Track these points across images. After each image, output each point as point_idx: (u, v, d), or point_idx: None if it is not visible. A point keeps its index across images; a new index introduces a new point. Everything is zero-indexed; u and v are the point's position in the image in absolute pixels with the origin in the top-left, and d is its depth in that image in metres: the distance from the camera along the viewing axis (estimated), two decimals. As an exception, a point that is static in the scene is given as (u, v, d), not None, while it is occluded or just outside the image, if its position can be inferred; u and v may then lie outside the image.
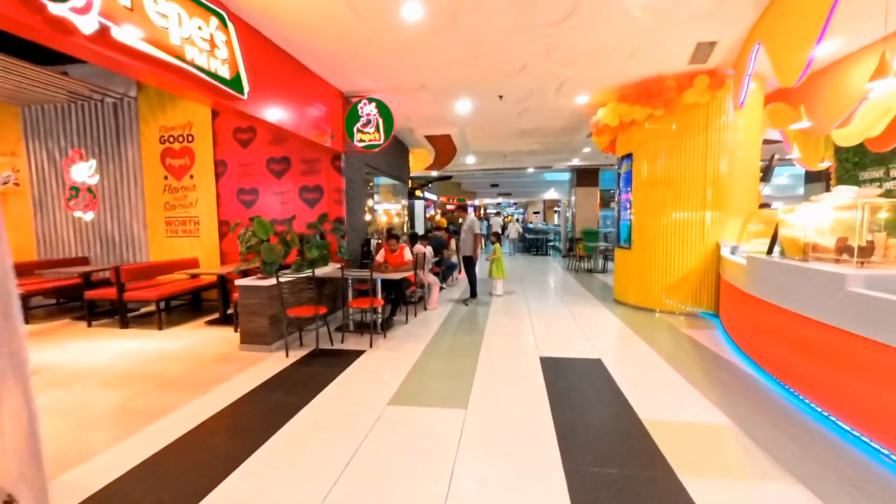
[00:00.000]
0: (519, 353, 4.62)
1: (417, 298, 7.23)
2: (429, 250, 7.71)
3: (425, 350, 4.75)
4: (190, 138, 6.80)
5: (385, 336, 5.29)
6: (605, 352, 4.62)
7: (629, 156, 6.83)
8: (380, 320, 5.44)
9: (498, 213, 35.46)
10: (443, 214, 28.71)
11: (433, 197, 25.67)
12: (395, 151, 9.76)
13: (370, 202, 12.44)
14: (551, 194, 30.89)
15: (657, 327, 5.62)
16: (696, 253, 6.14)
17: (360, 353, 4.67)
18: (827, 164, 8.33)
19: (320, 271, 5.52)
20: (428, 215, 24.42)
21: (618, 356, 4.49)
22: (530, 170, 15.38)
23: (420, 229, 16.97)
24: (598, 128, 7.04)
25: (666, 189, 6.28)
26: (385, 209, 11.44)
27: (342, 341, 5.07)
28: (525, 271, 11.61)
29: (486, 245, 25.14)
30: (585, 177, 14.76)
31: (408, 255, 6.03)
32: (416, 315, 6.50)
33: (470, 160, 13.13)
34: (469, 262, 7.31)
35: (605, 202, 20.07)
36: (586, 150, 11.52)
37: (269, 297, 4.62)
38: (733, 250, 5.67)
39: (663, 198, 6.31)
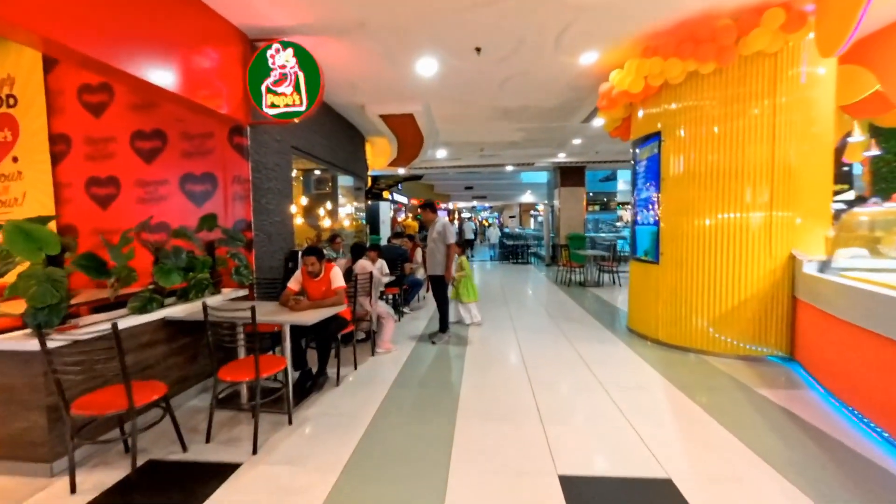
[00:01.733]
0: (520, 460, 2.55)
1: (364, 336, 5.08)
2: (380, 267, 5.58)
3: (354, 456, 2.62)
4: (11, 101, 4.44)
5: (291, 420, 3.11)
6: (667, 454, 2.61)
7: (654, 136, 4.92)
8: (288, 391, 3.23)
9: (470, 218, 33.62)
10: (414, 218, 26.54)
11: (403, 199, 23.45)
12: (346, 137, 7.59)
13: (328, 204, 10.24)
14: (528, 197, 29.24)
15: (716, 385, 3.67)
16: (758, 270, 4.26)
17: (227, 471, 2.49)
18: (875, 152, 6.73)
19: (185, 308, 3.30)
20: (400, 219, 22.18)
21: (695, 465, 2.49)
22: (509, 168, 13.48)
23: (386, 237, 14.81)
24: (611, 98, 5.11)
25: (712, 181, 4.39)
26: (328, 209, 9.24)
27: (207, 438, 2.86)
28: (507, 285, 9.63)
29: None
30: (570, 175, 12.97)
31: (338, 281, 3.87)
32: (356, 367, 4.35)
33: (441, 154, 11.08)
34: (439, 285, 5.20)
35: (592, 204, 18.41)
36: (576, 141, 9.67)
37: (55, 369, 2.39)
38: (823, 266, 3.80)
39: (707, 193, 4.42)
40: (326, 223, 9.76)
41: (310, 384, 3.69)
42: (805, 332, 3.98)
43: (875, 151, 6.63)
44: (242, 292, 4.19)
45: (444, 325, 5.27)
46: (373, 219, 14.95)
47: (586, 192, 13.46)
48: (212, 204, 4.36)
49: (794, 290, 4.15)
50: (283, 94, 4.22)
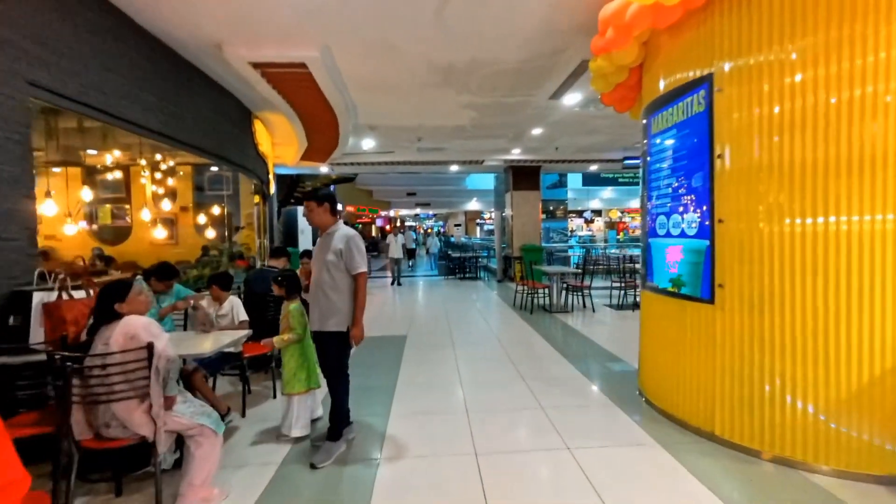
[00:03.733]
0: None
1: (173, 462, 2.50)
2: (229, 311, 3.08)
3: None
4: None
5: None
6: None
7: (697, 85, 2.87)
8: None
9: (414, 227, 31.25)
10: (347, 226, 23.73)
11: (337, 206, 20.64)
12: (213, 107, 4.95)
13: (214, 209, 7.37)
14: (474, 205, 27.43)
15: None
16: (912, 319, 2.29)
17: None
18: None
19: None
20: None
21: None
22: (454, 168, 11.33)
23: (307, 248, 11.95)
24: (622, 24, 2.99)
25: (821, 165, 2.38)
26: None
27: None
28: (453, 311, 7.33)
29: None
30: (524, 178, 11.06)
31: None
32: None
33: (368, 145, 8.63)
34: (331, 348, 2.75)
35: (547, 212, 16.70)
36: (536, 131, 7.68)
37: None
38: None
39: (812, 185, 2.40)
40: (210, 234, 6.97)
41: None
42: None
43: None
44: None
45: (338, 426, 2.81)
46: (289, 228, 12.11)
47: (541, 197, 11.63)
48: None
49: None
50: None
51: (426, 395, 3.69)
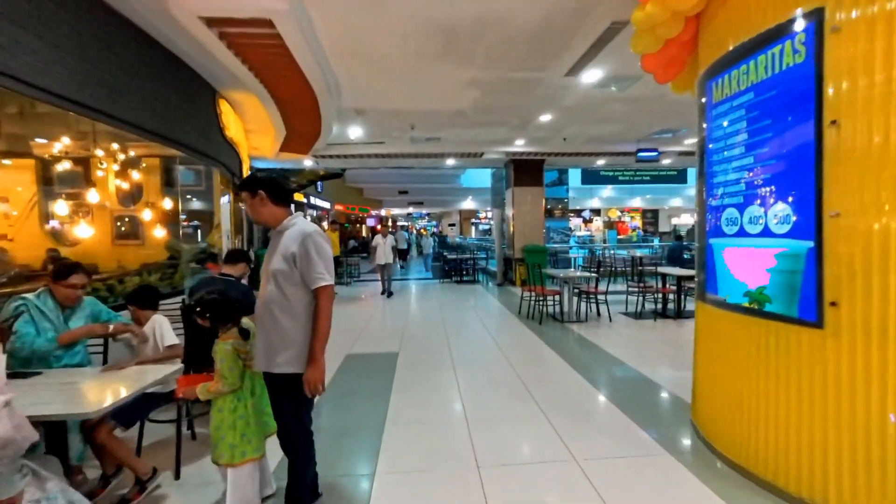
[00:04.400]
0: None
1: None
2: (156, 337, 2.29)
3: None
4: None
5: None
6: None
7: (803, 27, 2.14)
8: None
9: (406, 227, 30.44)
10: (334, 224, 22.92)
11: (324, 204, 19.68)
12: (158, 79, 4.11)
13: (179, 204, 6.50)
14: (469, 204, 26.71)
15: None
16: None
17: None
18: None
19: None
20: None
21: None
22: (450, 162, 10.57)
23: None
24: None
25: None
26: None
27: None
28: (452, 323, 6.55)
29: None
30: (526, 172, 10.33)
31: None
32: None
33: (355, 133, 7.83)
34: (284, 394, 1.98)
35: (546, 211, 16.05)
36: (545, 117, 6.94)
37: None
38: None
39: None
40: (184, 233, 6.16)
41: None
42: None
43: None
44: None
45: (296, 499, 2.02)
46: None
47: (545, 194, 10.91)
48: None
49: None
50: None
51: (423, 441, 2.91)
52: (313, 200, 17.42)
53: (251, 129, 7.15)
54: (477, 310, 7.60)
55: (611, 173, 19.11)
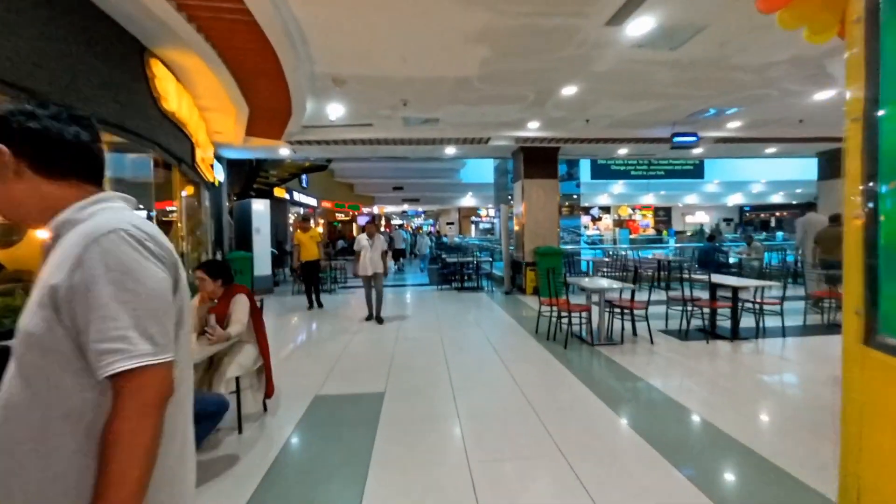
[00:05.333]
0: None
1: None
2: None
3: None
4: None
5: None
6: None
7: None
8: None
9: (402, 226, 29.30)
10: (305, 223, 21.69)
11: (310, 201, 18.45)
12: (52, 24, 2.90)
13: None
14: (469, 201, 25.52)
15: None
16: None
17: None
18: None
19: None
20: (293, 222, 16.92)
21: None
22: (450, 150, 9.41)
23: (264, 252, 9.81)
24: None
25: None
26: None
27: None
28: (455, 348, 5.37)
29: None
30: (538, 162, 9.17)
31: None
32: None
33: (336, 114, 6.64)
34: None
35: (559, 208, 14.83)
36: (568, 90, 5.77)
37: None
38: None
39: None
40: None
41: None
42: None
43: None
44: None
45: None
46: (242, 226, 10.08)
47: (559, 188, 9.75)
48: None
49: None
50: None
51: None
52: (297, 196, 16.21)
53: (206, 105, 5.95)
54: (484, 327, 6.43)
55: (622, 167, 17.96)
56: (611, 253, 11.96)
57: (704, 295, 5.75)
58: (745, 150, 10.09)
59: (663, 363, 4.64)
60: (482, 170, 19.67)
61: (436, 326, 6.42)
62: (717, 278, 5.61)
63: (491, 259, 11.72)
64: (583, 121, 7.28)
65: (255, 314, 3.31)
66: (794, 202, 27.14)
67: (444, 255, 12.01)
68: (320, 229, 21.10)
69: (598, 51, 4.56)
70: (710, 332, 5.60)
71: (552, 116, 7.07)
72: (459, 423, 3.25)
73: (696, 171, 18.10)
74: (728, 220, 29.82)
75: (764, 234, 24.50)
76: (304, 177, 16.49)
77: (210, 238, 8.81)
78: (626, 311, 5.56)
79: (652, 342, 5.31)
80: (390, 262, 17.50)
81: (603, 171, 18.44)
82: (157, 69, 4.45)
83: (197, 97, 5.63)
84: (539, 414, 3.34)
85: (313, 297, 7.88)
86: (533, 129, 7.79)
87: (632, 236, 23.80)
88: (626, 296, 5.79)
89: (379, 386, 4.04)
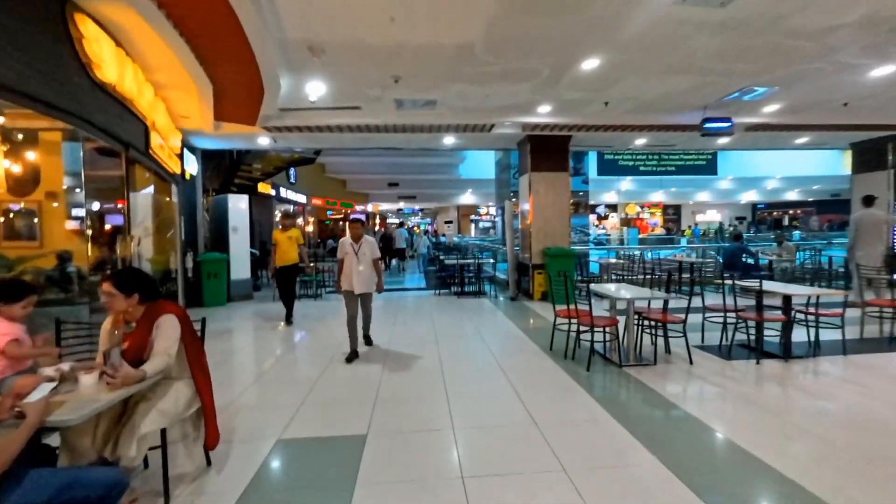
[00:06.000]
0: None
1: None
2: None
3: None
4: None
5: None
6: None
7: None
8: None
9: (401, 224, 28.54)
10: (289, 220, 20.97)
11: (299, 198, 17.62)
12: None
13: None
14: (468, 198, 24.72)
15: None
16: None
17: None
18: None
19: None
20: (278, 219, 15.99)
21: None
22: (449, 140, 8.62)
23: (243, 253, 8.90)
24: None
25: None
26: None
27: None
28: (451, 363, 4.57)
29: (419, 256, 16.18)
30: (548, 153, 8.38)
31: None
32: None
33: (316, 91, 5.84)
34: None
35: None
36: (591, 63, 4.99)
37: None
38: None
39: None
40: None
41: None
42: None
43: None
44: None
45: None
46: (219, 224, 9.28)
47: (570, 183, 8.96)
48: None
49: None
50: None
51: None
52: (284, 193, 15.39)
53: (163, 81, 5.15)
54: (490, 342, 5.64)
55: (631, 162, 17.23)
56: (625, 254, 11.19)
57: (742, 302, 4.97)
58: (773, 141, 9.31)
59: (712, 391, 3.87)
60: (483, 165, 18.86)
61: (433, 341, 5.63)
62: (769, 285, 4.82)
63: (493, 260, 10.93)
64: (601, 104, 6.49)
65: (190, 341, 2.51)
66: (810, 199, 26.44)
67: (441, 257, 11.21)
68: (310, 228, 20.24)
69: (631, 8, 3.78)
70: (758, 350, 4.82)
71: (566, 99, 6.28)
72: (463, 482, 2.47)
73: (709, 167, 17.35)
74: (740, 219, 29.10)
75: (780, 233, 23.78)
76: (291, 171, 15.69)
77: (180, 238, 8.01)
78: (657, 324, 4.77)
79: (691, 362, 4.53)
80: (392, 262, 16.56)
81: (610, 167, 17.66)
82: (86, 28, 3.65)
83: (149, 70, 4.82)
84: (568, 470, 2.56)
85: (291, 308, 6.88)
86: (543, 113, 6.99)
87: (641, 235, 23.05)
88: (655, 304, 5.01)
89: (360, 426, 3.24)
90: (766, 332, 4.91)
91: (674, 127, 7.50)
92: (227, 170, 11.47)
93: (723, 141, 9.09)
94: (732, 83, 5.76)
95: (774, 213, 29.73)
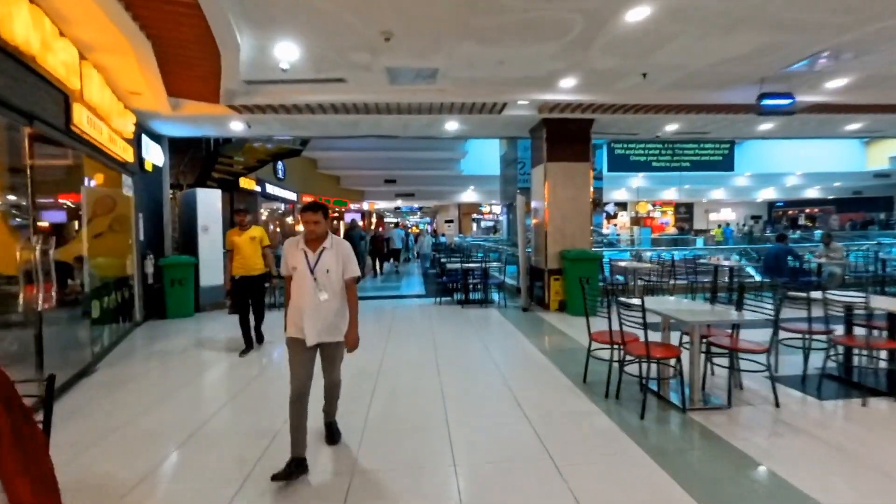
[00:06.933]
0: None
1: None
2: None
3: None
4: None
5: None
6: None
7: None
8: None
9: (397, 224, 27.44)
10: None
11: (288, 194, 16.50)
12: None
13: None
14: (470, 196, 23.61)
15: None
16: None
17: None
18: None
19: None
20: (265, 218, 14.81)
21: None
22: (452, 125, 7.54)
23: (215, 256, 7.74)
24: None
25: None
26: None
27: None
28: (455, 402, 3.50)
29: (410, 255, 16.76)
30: (566, 140, 7.30)
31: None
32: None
33: (289, 55, 4.74)
34: None
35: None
36: (638, 13, 3.91)
37: None
38: None
39: None
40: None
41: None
42: None
43: None
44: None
45: None
46: (189, 222, 8.18)
47: (592, 177, 7.87)
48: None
49: None
50: None
51: None
52: (271, 189, 14.28)
53: (85, 38, 4.04)
54: (505, 371, 4.54)
55: (643, 157, 16.11)
56: (650, 258, 10.13)
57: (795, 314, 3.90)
58: (821, 127, 8.24)
59: (819, 450, 2.79)
60: (486, 160, 17.77)
61: (432, 366, 4.55)
62: (875, 301, 3.74)
63: (501, 262, 9.85)
64: (637, 76, 5.41)
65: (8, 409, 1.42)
66: (830, 197, 25.42)
67: (442, 259, 10.13)
68: (300, 228, 19.13)
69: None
70: (861, 385, 3.75)
71: (596, 68, 5.20)
72: None
73: (726, 163, 16.24)
74: (756, 218, 28.04)
75: (798, 232, 22.76)
76: (279, 166, 14.59)
77: (137, 239, 6.91)
78: (730, 353, 3.68)
79: (777, 405, 3.46)
80: (388, 264, 15.24)
81: (622, 163, 16.50)
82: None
83: (64, 21, 3.73)
84: None
85: (251, 332, 5.20)
86: (566, 89, 5.91)
87: (654, 235, 22.01)
88: (733, 332, 3.94)
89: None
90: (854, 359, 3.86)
91: (720, 107, 6.42)
92: (203, 162, 10.36)
93: (766, 126, 8.02)
94: (806, 46, 4.68)
95: (790, 212, 28.70)
